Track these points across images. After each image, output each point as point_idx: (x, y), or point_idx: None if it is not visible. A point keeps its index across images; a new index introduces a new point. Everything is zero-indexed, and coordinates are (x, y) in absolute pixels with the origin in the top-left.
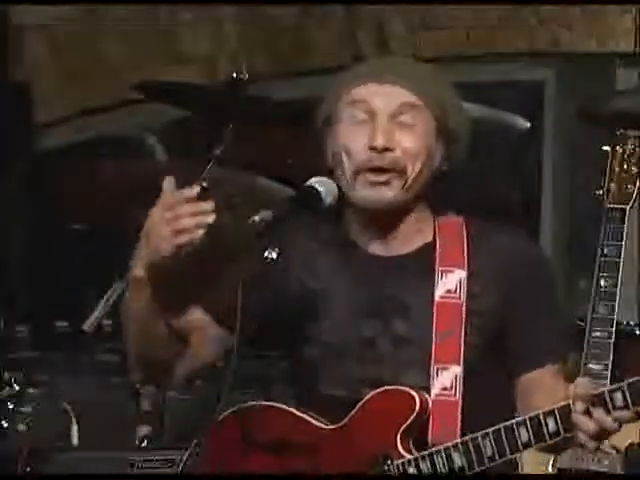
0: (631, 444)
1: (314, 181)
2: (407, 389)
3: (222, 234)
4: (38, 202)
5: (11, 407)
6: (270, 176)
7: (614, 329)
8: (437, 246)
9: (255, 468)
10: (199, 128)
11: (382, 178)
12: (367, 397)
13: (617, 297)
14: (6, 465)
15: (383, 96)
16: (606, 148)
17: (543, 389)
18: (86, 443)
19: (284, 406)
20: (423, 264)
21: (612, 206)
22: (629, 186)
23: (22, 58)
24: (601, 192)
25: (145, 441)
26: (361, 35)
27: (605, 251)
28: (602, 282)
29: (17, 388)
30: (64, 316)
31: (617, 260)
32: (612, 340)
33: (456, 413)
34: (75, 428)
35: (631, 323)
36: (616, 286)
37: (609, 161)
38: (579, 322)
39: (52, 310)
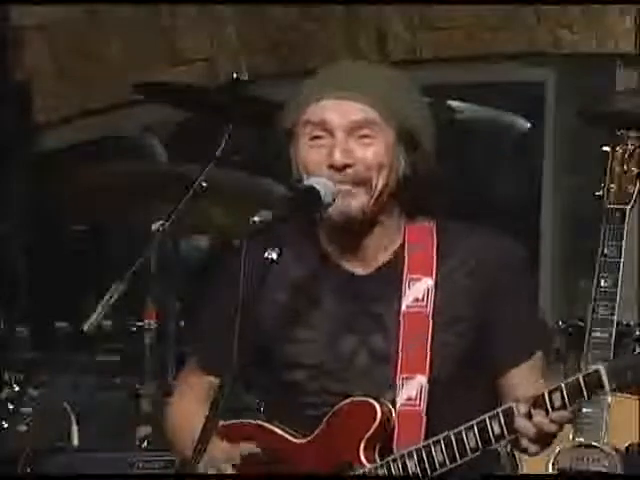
0: (631, 444)
1: (313, 181)
2: (369, 399)
3: None
4: (38, 202)
5: (11, 408)
6: (270, 176)
7: (614, 329)
8: (406, 254)
9: None
10: (199, 128)
11: (345, 188)
12: (334, 409)
13: (617, 297)
14: (6, 465)
15: (339, 112)
16: (606, 148)
17: (525, 386)
18: (86, 443)
19: (262, 422)
20: (393, 275)
21: (612, 206)
22: (629, 186)
23: (22, 58)
24: (601, 192)
25: (145, 442)
26: (361, 35)
27: (605, 251)
28: (602, 282)
29: (17, 389)
30: (64, 316)
31: (617, 260)
32: (612, 340)
33: (420, 423)
34: (75, 428)
35: (631, 323)
36: (616, 286)
37: (609, 161)
38: (579, 322)
39: (52, 311)
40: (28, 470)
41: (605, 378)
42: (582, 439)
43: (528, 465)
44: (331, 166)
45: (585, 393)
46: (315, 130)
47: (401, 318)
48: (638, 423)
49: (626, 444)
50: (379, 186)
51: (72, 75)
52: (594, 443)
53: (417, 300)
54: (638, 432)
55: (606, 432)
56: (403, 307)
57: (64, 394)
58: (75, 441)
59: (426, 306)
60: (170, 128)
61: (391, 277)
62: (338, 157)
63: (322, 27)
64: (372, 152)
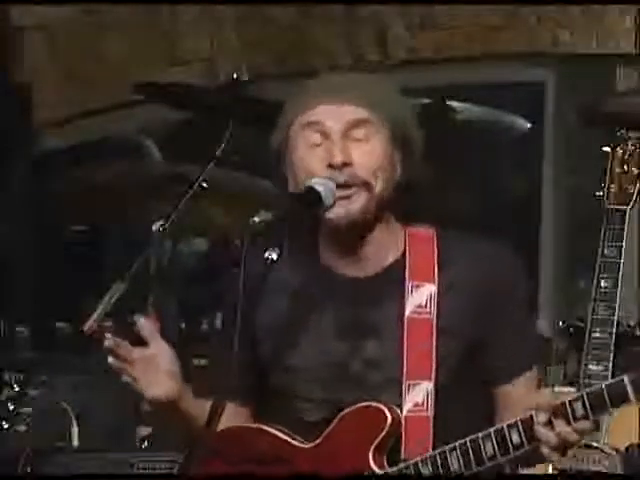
0: (631, 444)
1: (314, 182)
2: (379, 405)
3: None
4: (38, 202)
5: (11, 408)
6: (270, 176)
7: (614, 330)
8: (407, 260)
9: None
10: (199, 129)
11: (345, 193)
12: (341, 414)
13: (617, 298)
14: (6, 465)
15: (334, 115)
16: (606, 149)
17: (522, 397)
18: (86, 443)
19: (263, 426)
20: (394, 281)
21: (612, 207)
22: (629, 187)
23: (22, 59)
24: (601, 193)
25: (145, 442)
26: (361, 35)
27: (605, 252)
28: (602, 283)
29: (17, 389)
30: (64, 317)
31: (617, 261)
32: (612, 341)
33: (428, 428)
34: (75, 428)
35: (631, 323)
36: (616, 287)
37: (609, 162)
38: (579, 322)
39: (52, 311)
40: (28, 470)
41: (630, 388)
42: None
43: None
44: (330, 165)
45: (609, 404)
46: (312, 133)
47: (405, 324)
48: (638, 423)
49: (626, 444)
50: (378, 188)
51: (72, 75)
52: (594, 443)
53: (420, 306)
54: (638, 432)
55: (606, 432)
56: (407, 313)
57: (64, 394)
58: (75, 441)
59: (429, 312)
60: (170, 128)
61: (391, 282)
62: (338, 157)
63: (322, 27)
64: (368, 154)
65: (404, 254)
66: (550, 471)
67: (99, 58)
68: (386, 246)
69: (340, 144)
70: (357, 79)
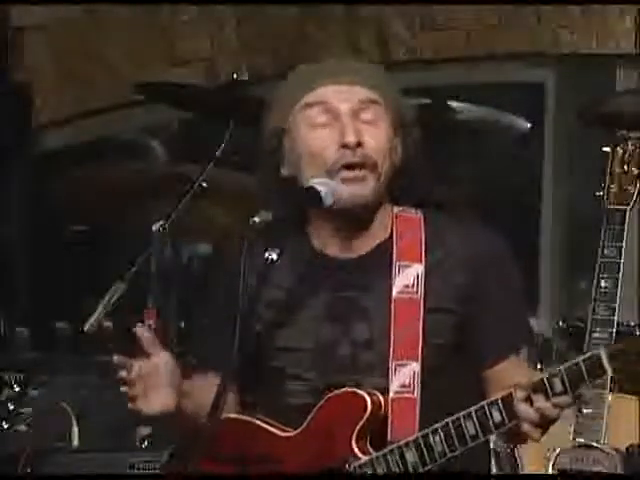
0: (631, 444)
1: (314, 181)
2: (359, 391)
3: None
4: (38, 202)
5: (11, 408)
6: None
7: (614, 330)
8: (394, 241)
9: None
10: (199, 129)
11: (357, 174)
12: (322, 401)
13: (617, 298)
14: (6, 465)
15: (343, 95)
16: (606, 149)
17: (512, 379)
18: (86, 443)
19: (244, 417)
20: (382, 261)
21: (612, 207)
22: (629, 187)
23: (22, 59)
24: (601, 193)
25: (145, 442)
26: (361, 35)
27: (605, 252)
28: (602, 283)
29: (17, 389)
30: (64, 317)
31: (617, 261)
32: (612, 341)
33: (414, 410)
34: (75, 428)
35: (631, 323)
36: (616, 287)
37: (609, 162)
38: (579, 322)
39: (52, 311)
40: (28, 470)
41: (606, 360)
42: (582, 439)
43: (528, 465)
44: (345, 145)
45: (586, 376)
46: (317, 113)
47: (392, 304)
48: (638, 423)
49: (626, 444)
50: (384, 170)
51: (72, 75)
52: (594, 443)
53: (407, 286)
54: (638, 432)
55: (606, 432)
56: (393, 293)
57: (64, 394)
58: (75, 441)
59: (416, 292)
60: (170, 128)
61: (379, 263)
62: (352, 136)
63: (322, 27)
64: (375, 134)
65: (391, 235)
66: (550, 471)
67: (99, 58)
68: (376, 228)
69: (352, 124)
70: (361, 65)
